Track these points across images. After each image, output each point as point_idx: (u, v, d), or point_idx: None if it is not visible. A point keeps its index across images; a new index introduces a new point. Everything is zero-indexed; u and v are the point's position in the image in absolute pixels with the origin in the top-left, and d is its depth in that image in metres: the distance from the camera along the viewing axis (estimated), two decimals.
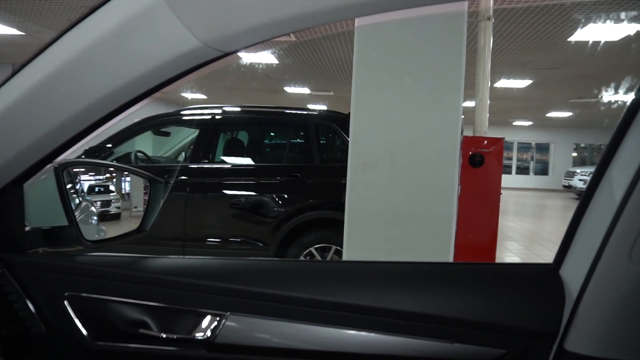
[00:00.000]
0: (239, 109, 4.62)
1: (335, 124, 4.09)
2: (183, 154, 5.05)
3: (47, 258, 0.80)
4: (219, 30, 0.59)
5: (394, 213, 2.27)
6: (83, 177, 1.12)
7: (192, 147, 4.31)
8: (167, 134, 4.91)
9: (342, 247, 2.34)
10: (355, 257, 2.28)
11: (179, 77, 0.65)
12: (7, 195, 0.74)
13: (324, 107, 14.83)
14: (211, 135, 4.22)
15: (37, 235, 0.86)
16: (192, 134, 4.58)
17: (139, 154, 4.51)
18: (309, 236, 3.85)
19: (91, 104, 0.64)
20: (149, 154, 4.82)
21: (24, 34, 8.11)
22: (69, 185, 0.98)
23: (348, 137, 2.43)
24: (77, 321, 0.70)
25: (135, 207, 1.31)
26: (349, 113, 2.33)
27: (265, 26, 0.58)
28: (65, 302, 0.71)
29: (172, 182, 3.90)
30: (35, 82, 0.63)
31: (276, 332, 0.69)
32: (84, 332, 0.70)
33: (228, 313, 0.69)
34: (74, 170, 1.07)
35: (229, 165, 4.25)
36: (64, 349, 0.70)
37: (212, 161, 4.15)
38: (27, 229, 0.82)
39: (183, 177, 3.98)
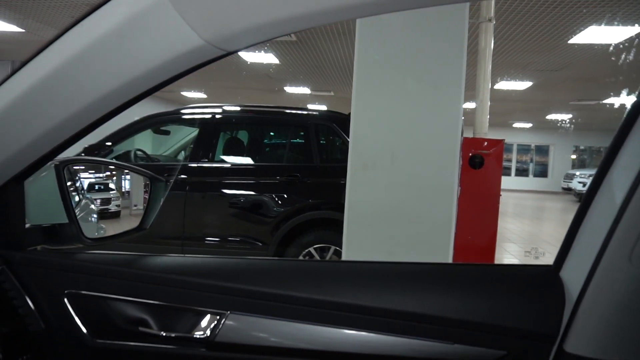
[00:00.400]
0: (239, 109, 4.62)
1: (336, 124, 4.09)
2: (183, 152, 5.04)
3: (47, 255, 0.79)
4: (222, 29, 0.59)
5: (393, 213, 2.27)
6: (83, 174, 1.12)
7: (191, 146, 4.31)
8: (167, 133, 4.91)
9: (341, 248, 2.34)
10: (354, 257, 2.28)
11: (182, 76, 0.65)
12: (8, 192, 0.74)
13: (324, 107, 14.86)
14: (211, 134, 4.22)
15: (37, 232, 0.86)
16: (192, 133, 4.58)
17: (138, 153, 4.51)
18: (308, 236, 3.85)
19: (93, 102, 0.64)
20: (149, 152, 4.81)
21: (24, 31, 8.10)
22: (69, 183, 0.98)
23: (348, 137, 2.43)
24: (76, 319, 0.70)
25: (135, 206, 1.31)
26: (349, 113, 2.33)
27: (268, 25, 0.58)
28: (65, 300, 0.71)
29: (172, 181, 3.89)
30: (37, 79, 0.63)
31: (276, 331, 0.69)
32: (84, 329, 0.70)
33: (228, 312, 0.69)
34: (74, 167, 1.07)
35: (229, 165, 4.25)
36: (63, 347, 0.70)
37: (212, 160, 4.15)
38: (27, 226, 0.82)
39: (183, 176, 3.98)
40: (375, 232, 2.29)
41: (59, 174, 0.92)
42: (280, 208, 3.91)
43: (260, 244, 3.88)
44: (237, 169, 4.21)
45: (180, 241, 3.92)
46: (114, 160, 3.89)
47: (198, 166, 4.05)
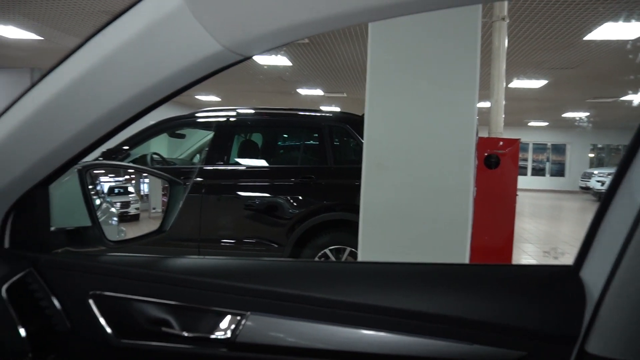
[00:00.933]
0: (253, 111, 4.65)
1: (349, 126, 4.09)
2: (198, 156, 5.09)
3: (71, 257, 0.82)
4: (240, 34, 0.60)
5: (409, 215, 2.26)
6: (103, 178, 1.14)
7: (207, 149, 4.35)
8: (182, 136, 4.96)
9: (356, 249, 2.34)
10: (370, 258, 2.28)
11: (201, 81, 0.66)
12: (34, 197, 0.76)
13: (338, 109, 14.87)
14: (226, 137, 4.26)
15: (62, 235, 0.88)
16: (207, 136, 4.62)
17: (154, 156, 4.57)
18: (324, 238, 3.85)
19: (116, 108, 0.66)
20: (164, 156, 4.87)
21: (42, 38, 8.26)
22: (90, 187, 1.00)
23: (362, 138, 2.43)
24: (101, 319, 0.72)
25: (154, 208, 1.33)
26: (363, 115, 2.34)
27: (285, 30, 0.59)
28: (90, 301, 0.72)
29: (190, 183, 3.94)
30: (61, 86, 0.65)
31: (296, 331, 0.69)
32: (108, 329, 0.72)
33: (248, 313, 0.70)
34: (95, 172, 1.09)
35: (244, 167, 4.28)
36: (88, 346, 0.72)
37: (227, 163, 4.18)
38: (51, 229, 0.84)
39: (198, 179, 4.01)
40: (391, 233, 2.29)
41: (81, 178, 0.94)
42: (295, 210, 3.92)
43: (276, 246, 3.90)
44: (252, 172, 4.24)
45: (196, 243, 3.96)
46: (133, 164, 3.94)
47: (213, 169, 4.09)
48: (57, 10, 6.65)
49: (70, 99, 0.66)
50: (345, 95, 13.36)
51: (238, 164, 4.31)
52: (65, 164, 0.73)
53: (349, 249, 3.79)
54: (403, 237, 2.28)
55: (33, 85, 0.68)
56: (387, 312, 0.72)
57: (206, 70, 0.64)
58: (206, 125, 4.60)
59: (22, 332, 0.66)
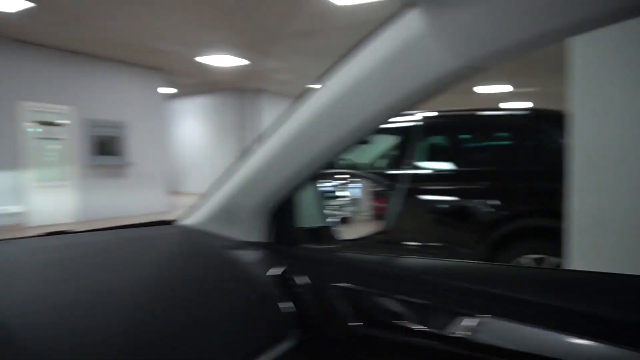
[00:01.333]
0: (438, 114, 4.56)
1: (546, 124, 3.74)
2: (385, 161, 5.21)
3: (313, 252, 0.97)
4: (473, 51, 0.65)
5: (628, 220, 1.99)
6: (328, 183, 1.31)
7: (394, 153, 4.40)
8: (368, 142, 5.15)
9: (555, 258, 2.14)
10: (581, 268, 2.07)
11: (437, 94, 0.73)
12: (288, 200, 0.94)
13: (529, 105, 13.71)
14: (415, 141, 4.24)
15: (303, 233, 1.05)
16: (392, 141, 4.69)
17: (344, 161, 4.85)
18: (520, 246, 3.59)
19: (360, 124, 0.78)
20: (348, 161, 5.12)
21: (249, 62, 9.62)
22: (320, 192, 1.17)
23: (562, 137, 2.22)
24: (341, 307, 0.83)
25: (364, 211, 1.46)
26: (560, 110, 2.14)
27: (517, 43, 0.62)
28: (332, 290, 0.85)
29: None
30: (317, 109, 0.80)
31: (534, 339, 0.69)
32: (349, 316, 0.82)
33: (486, 315, 0.72)
34: (322, 178, 1.26)
35: (433, 171, 4.21)
36: (333, 329, 0.84)
37: (417, 167, 4.17)
38: (296, 228, 1.01)
39: (390, 183, 4.08)
40: (606, 241, 2.04)
41: (315, 184, 1.11)
42: (489, 216, 3.70)
43: (468, 252, 3.76)
44: (442, 175, 4.13)
45: (390, 245, 4.02)
46: (353, 170, 4.20)
47: (402, 173, 4.11)
48: (258, 35, 7.68)
49: (325, 119, 0.80)
50: (535, 89, 12.22)
51: (427, 168, 4.24)
52: (313, 173, 0.88)
53: (554, 258, 3.45)
54: (621, 246, 2.01)
55: (291, 112, 0.84)
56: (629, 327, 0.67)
57: (442, 84, 0.71)
58: (392, 131, 4.66)
59: (287, 310, 0.81)
